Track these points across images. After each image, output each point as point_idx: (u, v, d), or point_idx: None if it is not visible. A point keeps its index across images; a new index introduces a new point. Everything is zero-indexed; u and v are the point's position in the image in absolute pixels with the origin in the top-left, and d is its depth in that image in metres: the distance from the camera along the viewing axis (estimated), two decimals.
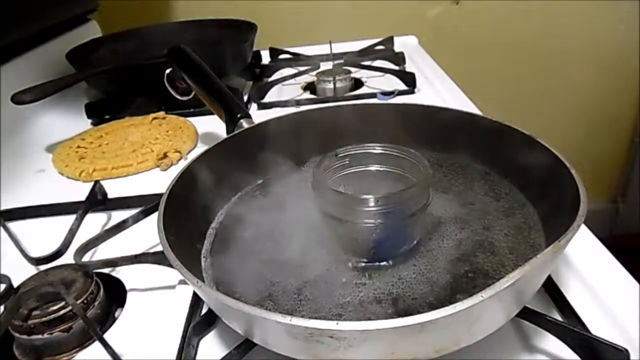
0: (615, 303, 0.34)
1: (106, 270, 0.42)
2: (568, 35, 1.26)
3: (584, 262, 0.38)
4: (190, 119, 0.73)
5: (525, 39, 1.26)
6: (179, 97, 0.62)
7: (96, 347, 0.35)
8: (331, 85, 0.78)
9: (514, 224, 0.38)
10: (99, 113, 0.77)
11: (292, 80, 0.85)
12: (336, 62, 0.90)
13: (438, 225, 0.38)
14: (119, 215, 0.50)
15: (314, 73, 0.84)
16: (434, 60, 0.90)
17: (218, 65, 0.61)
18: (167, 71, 0.61)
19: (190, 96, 0.61)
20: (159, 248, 0.32)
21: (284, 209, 0.43)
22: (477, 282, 0.33)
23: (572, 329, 0.30)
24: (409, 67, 0.87)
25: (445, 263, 0.34)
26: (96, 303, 0.37)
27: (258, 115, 0.66)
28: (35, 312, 0.35)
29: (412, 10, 1.22)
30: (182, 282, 0.39)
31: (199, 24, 0.97)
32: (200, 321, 0.35)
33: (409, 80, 0.77)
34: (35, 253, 0.44)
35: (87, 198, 0.50)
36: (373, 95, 0.74)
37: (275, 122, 0.48)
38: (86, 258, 0.41)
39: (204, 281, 0.33)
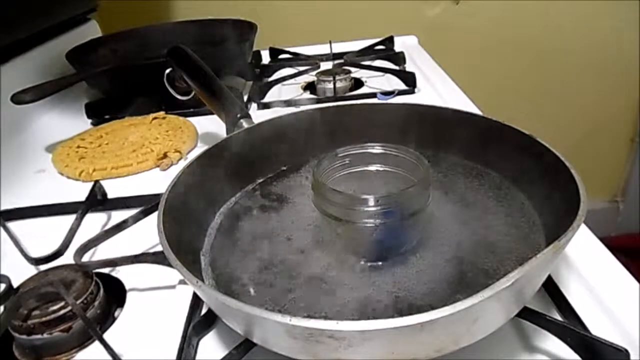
0: (615, 303, 0.34)
1: (106, 270, 0.42)
2: (568, 35, 1.26)
3: (584, 262, 0.38)
4: (190, 119, 0.73)
5: (525, 39, 1.26)
6: (179, 97, 0.62)
7: (96, 347, 0.35)
8: (331, 85, 0.78)
9: (514, 224, 0.38)
10: (99, 113, 0.77)
11: (292, 80, 0.85)
12: (336, 62, 0.90)
13: (438, 225, 0.38)
14: (119, 215, 0.50)
15: (314, 73, 0.84)
16: (434, 60, 0.90)
17: (218, 65, 0.61)
18: (167, 71, 0.61)
19: (190, 96, 0.61)
20: (159, 248, 0.32)
21: (283, 208, 0.43)
22: (477, 282, 0.33)
23: (572, 329, 0.30)
24: (409, 67, 0.87)
25: (445, 263, 0.34)
26: (96, 303, 0.37)
27: (258, 115, 0.66)
28: (35, 312, 0.35)
29: (412, 10, 1.22)
30: (182, 282, 0.39)
31: (199, 24, 0.96)
32: (200, 321, 0.35)
33: (409, 80, 0.77)
34: (35, 253, 0.44)
35: (87, 198, 0.50)
36: (373, 95, 0.74)
37: (275, 122, 0.48)
38: (86, 258, 0.41)
39: (203, 281, 0.33)
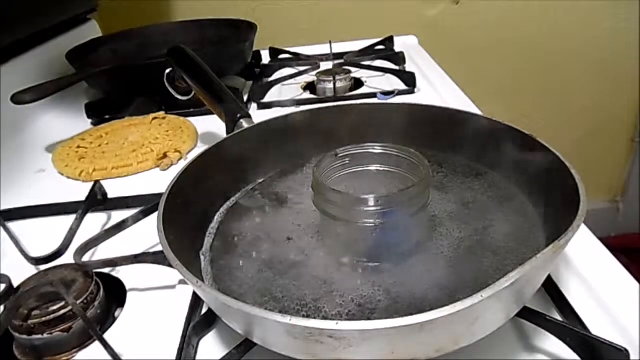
0: (615, 303, 0.34)
1: (106, 270, 0.42)
2: (568, 35, 1.26)
3: (584, 262, 0.38)
4: (190, 119, 0.73)
5: (525, 39, 1.26)
6: (179, 97, 0.62)
7: (96, 347, 0.35)
8: (331, 85, 0.78)
9: (514, 224, 0.38)
10: (99, 113, 0.77)
11: (292, 80, 0.85)
12: (336, 62, 0.90)
13: (438, 225, 0.38)
14: (119, 215, 0.50)
15: (314, 73, 0.84)
16: (434, 60, 0.90)
17: (218, 65, 0.61)
18: (167, 71, 0.61)
19: (190, 96, 0.61)
20: (159, 248, 0.32)
21: (283, 208, 0.43)
22: (477, 281, 0.33)
23: (572, 329, 0.30)
24: (409, 67, 0.87)
25: (445, 263, 0.34)
26: (96, 303, 0.37)
27: (258, 115, 0.66)
28: (35, 312, 0.35)
29: (412, 10, 1.22)
30: (182, 282, 0.39)
31: (199, 24, 0.97)
32: (200, 321, 0.35)
33: (409, 80, 0.77)
34: (35, 253, 0.44)
35: (87, 198, 0.50)
36: (373, 95, 0.74)
37: (275, 122, 0.48)
38: (86, 258, 0.41)
39: (203, 281, 0.33)
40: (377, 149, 0.39)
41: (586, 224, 0.35)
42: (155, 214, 0.35)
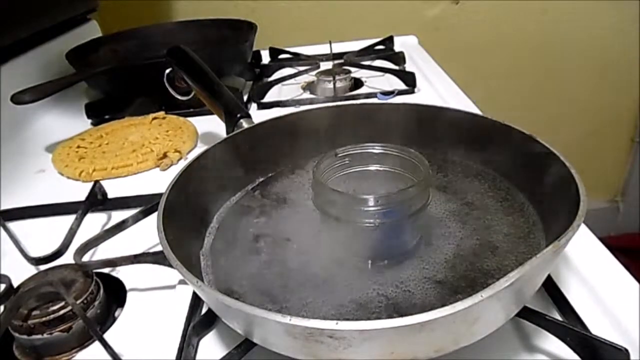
0: (615, 303, 0.34)
1: (106, 270, 0.42)
2: (568, 35, 1.26)
3: (584, 262, 0.38)
4: (190, 119, 0.73)
5: (525, 39, 1.26)
6: (179, 97, 0.62)
7: (96, 347, 0.35)
8: (331, 85, 0.78)
9: (514, 223, 0.38)
10: (99, 113, 0.77)
11: (292, 80, 0.85)
12: (336, 61, 0.90)
13: (438, 224, 0.38)
14: (118, 215, 0.50)
15: (314, 73, 0.84)
16: (434, 60, 0.90)
17: (218, 65, 0.61)
18: (167, 71, 0.61)
19: (190, 96, 0.61)
20: (159, 248, 0.32)
21: (283, 208, 0.43)
22: (477, 281, 0.33)
23: (572, 329, 0.30)
24: (409, 67, 0.87)
25: (444, 262, 0.34)
26: (96, 303, 0.37)
27: (258, 115, 0.66)
28: (35, 312, 0.35)
29: (412, 10, 1.22)
30: (182, 282, 0.39)
31: (199, 24, 0.97)
32: (200, 321, 0.35)
33: (409, 80, 0.77)
34: (35, 253, 0.44)
35: (87, 198, 0.50)
36: (373, 95, 0.74)
37: (275, 122, 0.48)
38: (86, 258, 0.41)
39: (203, 281, 0.33)
40: (377, 149, 0.39)
41: (586, 223, 0.35)
42: (155, 214, 0.35)
